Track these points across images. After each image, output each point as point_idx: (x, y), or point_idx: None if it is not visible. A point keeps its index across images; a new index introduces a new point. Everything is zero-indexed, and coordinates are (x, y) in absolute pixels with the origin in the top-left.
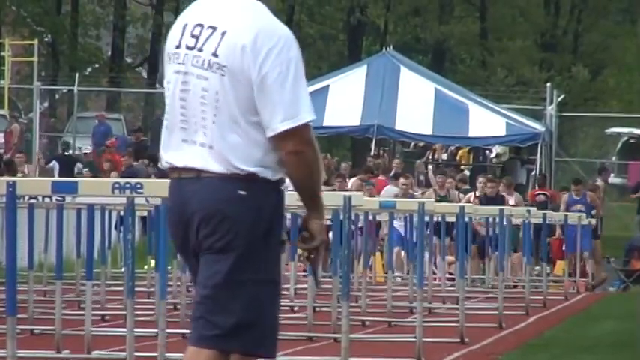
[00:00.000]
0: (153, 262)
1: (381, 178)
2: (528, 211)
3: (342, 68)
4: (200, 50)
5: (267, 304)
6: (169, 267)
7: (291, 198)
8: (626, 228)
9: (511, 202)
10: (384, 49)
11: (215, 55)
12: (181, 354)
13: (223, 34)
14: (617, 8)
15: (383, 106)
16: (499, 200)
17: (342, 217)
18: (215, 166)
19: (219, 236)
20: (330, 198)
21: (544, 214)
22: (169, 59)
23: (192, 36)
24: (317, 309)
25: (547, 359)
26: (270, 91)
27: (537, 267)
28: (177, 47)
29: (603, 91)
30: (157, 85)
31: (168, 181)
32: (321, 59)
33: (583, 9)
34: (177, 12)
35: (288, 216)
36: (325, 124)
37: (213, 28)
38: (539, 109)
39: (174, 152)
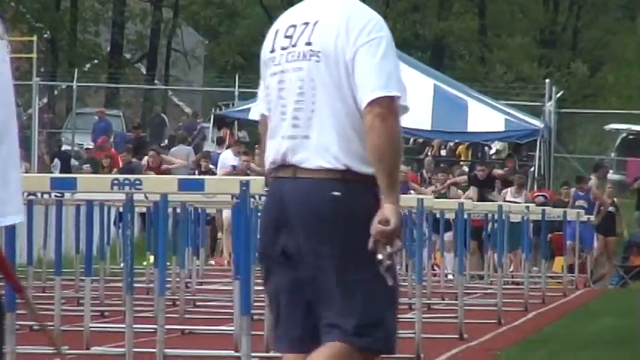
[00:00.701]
0: (152, 258)
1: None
2: (527, 208)
3: None
4: (294, 45)
5: (385, 301)
6: (168, 263)
7: None
8: (625, 225)
9: (519, 200)
10: None
11: (309, 43)
12: (181, 350)
13: (315, 23)
14: (617, 4)
15: None
16: (490, 182)
17: None
18: (313, 159)
19: (318, 238)
20: None
21: (543, 210)
22: (265, 65)
23: (286, 37)
24: None
25: (546, 355)
26: (361, 65)
27: (535, 267)
28: (272, 52)
29: (602, 88)
30: (156, 81)
31: (166, 177)
32: None
33: (582, 5)
34: (176, 8)
35: None
36: None
37: (306, 24)
38: (538, 105)
39: (273, 148)
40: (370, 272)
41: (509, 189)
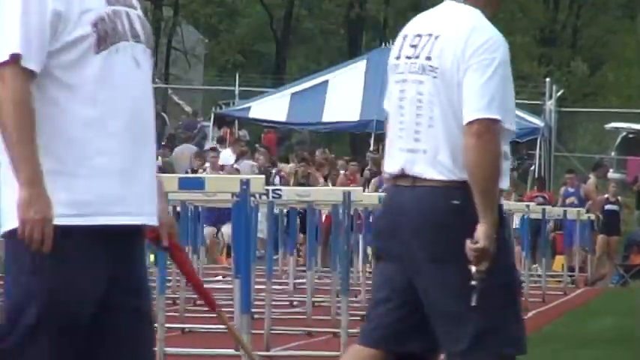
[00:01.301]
0: (152, 257)
1: None
2: (527, 207)
3: (342, 63)
4: (417, 57)
5: (504, 308)
6: (168, 262)
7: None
8: (625, 223)
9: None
10: (383, 44)
11: (428, 58)
12: (181, 348)
13: (437, 37)
14: (617, 3)
15: (382, 101)
16: None
17: (341, 212)
18: (429, 172)
19: (434, 246)
20: (329, 193)
21: (543, 209)
22: (391, 71)
23: (411, 46)
24: (316, 304)
25: (546, 354)
26: (467, 85)
27: (535, 265)
28: (397, 58)
29: (602, 86)
30: (156, 80)
31: (166, 175)
32: (321, 54)
33: (582, 4)
34: (176, 6)
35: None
36: (324, 119)
37: (430, 35)
38: (539, 104)
39: (391, 160)
40: (487, 279)
41: None
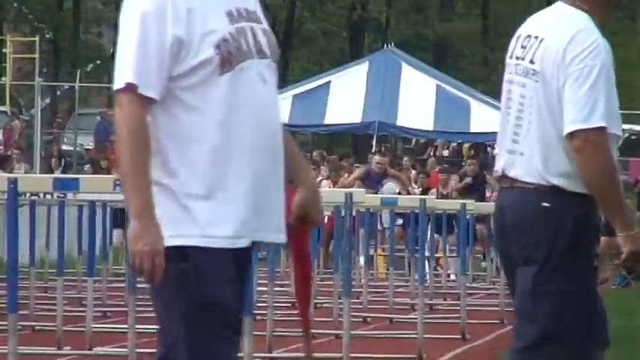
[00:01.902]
0: None
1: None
2: None
3: (344, 65)
4: (523, 59)
5: (574, 317)
6: None
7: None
8: None
9: None
10: (385, 45)
11: (532, 62)
12: None
13: (541, 41)
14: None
15: (384, 103)
16: (481, 178)
17: (343, 213)
18: (525, 175)
19: (523, 247)
20: (331, 194)
21: None
22: (504, 69)
23: (522, 47)
24: (318, 305)
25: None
26: (567, 94)
27: None
28: (510, 57)
29: None
30: None
31: None
32: (323, 56)
33: None
34: None
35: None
36: (326, 121)
37: (536, 38)
38: None
39: (497, 160)
40: (563, 284)
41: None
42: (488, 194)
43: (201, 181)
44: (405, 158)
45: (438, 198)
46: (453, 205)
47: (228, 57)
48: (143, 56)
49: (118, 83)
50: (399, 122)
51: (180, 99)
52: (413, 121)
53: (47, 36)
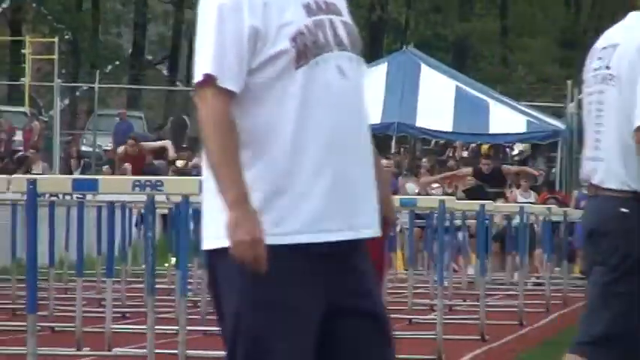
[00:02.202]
0: (173, 260)
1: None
2: (549, 209)
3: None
4: (599, 69)
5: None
6: (190, 264)
7: None
8: None
9: (531, 200)
10: (404, 46)
11: (608, 67)
12: (202, 351)
13: (616, 46)
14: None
15: (403, 104)
16: (496, 174)
17: None
18: (606, 181)
19: (600, 251)
20: None
21: (564, 211)
22: (584, 83)
23: (599, 58)
24: None
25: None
26: (635, 90)
27: (557, 268)
28: (587, 73)
29: None
30: (178, 83)
31: (187, 178)
32: None
33: (604, 6)
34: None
35: None
36: None
37: (612, 46)
38: (560, 106)
39: (584, 169)
40: (634, 287)
41: (517, 190)
42: (508, 194)
43: (272, 176)
44: (425, 159)
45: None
46: (472, 205)
47: (304, 50)
48: (221, 49)
49: (197, 76)
50: (419, 123)
51: (255, 93)
52: (432, 122)
53: (66, 37)
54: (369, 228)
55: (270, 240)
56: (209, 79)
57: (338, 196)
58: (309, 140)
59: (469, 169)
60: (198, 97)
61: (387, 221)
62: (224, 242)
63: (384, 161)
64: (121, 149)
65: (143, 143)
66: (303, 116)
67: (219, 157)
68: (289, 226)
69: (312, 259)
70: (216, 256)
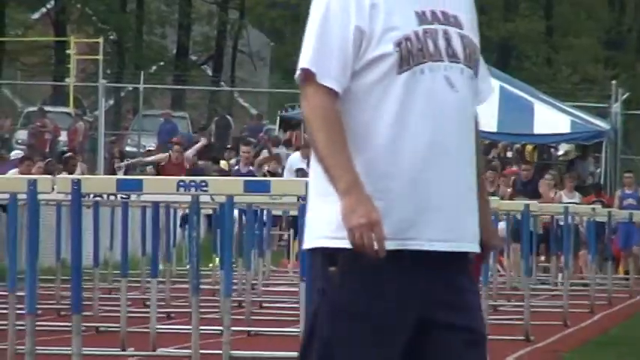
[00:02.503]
0: (218, 260)
1: None
2: (593, 209)
3: None
4: None
5: None
6: (234, 265)
7: None
8: None
9: (575, 200)
10: None
11: None
12: (246, 351)
13: None
14: None
15: None
16: (534, 184)
17: None
18: None
19: None
20: None
21: (609, 212)
22: None
23: None
24: None
25: (613, 357)
26: None
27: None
28: None
29: None
30: (222, 83)
31: (232, 178)
32: None
33: None
34: (242, 9)
35: None
36: None
37: None
38: (604, 107)
39: None
40: None
41: (562, 191)
42: (552, 195)
43: (368, 179)
44: None
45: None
46: (516, 206)
47: (408, 56)
48: (323, 46)
49: (298, 71)
50: None
51: (356, 95)
52: None
53: (111, 37)
54: (464, 242)
55: (347, 244)
56: (309, 76)
57: (432, 206)
58: (406, 147)
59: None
60: (302, 96)
61: (485, 246)
62: (315, 243)
63: None
64: (162, 156)
65: (186, 154)
66: (402, 122)
67: (326, 149)
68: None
69: (403, 268)
70: (311, 255)
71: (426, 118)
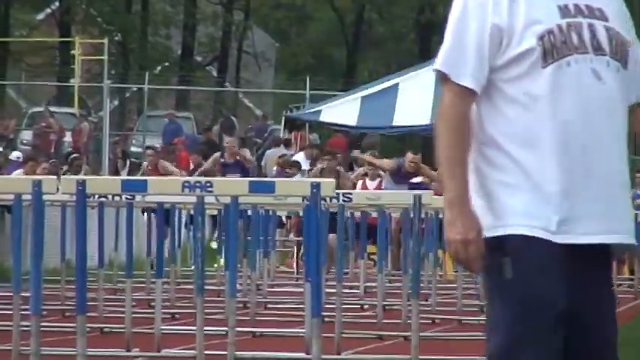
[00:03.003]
0: (222, 261)
1: None
2: None
3: (412, 67)
4: None
5: None
6: (239, 265)
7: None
8: None
9: None
10: None
11: None
12: (251, 352)
13: None
14: None
15: None
16: None
17: (411, 215)
18: None
19: None
20: (400, 196)
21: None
22: None
23: None
24: (387, 307)
25: (634, 356)
26: None
27: None
28: None
29: None
30: (227, 84)
31: (237, 179)
32: (391, 58)
33: None
34: (247, 10)
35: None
36: (395, 122)
37: None
38: None
39: None
40: None
41: None
42: None
43: (523, 173)
44: None
45: None
46: None
47: (551, 49)
48: (458, 44)
49: (435, 73)
50: None
51: (502, 91)
52: None
53: (115, 38)
54: (629, 234)
55: (519, 230)
56: (444, 77)
57: (586, 199)
58: (557, 138)
59: None
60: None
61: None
62: (487, 233)
63: (410, 155)
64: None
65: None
66: (552, 115)
67: (444, 155)
68: (538, 222)
69: (560, 260)
70: (486, 245)
71: (577, 112)
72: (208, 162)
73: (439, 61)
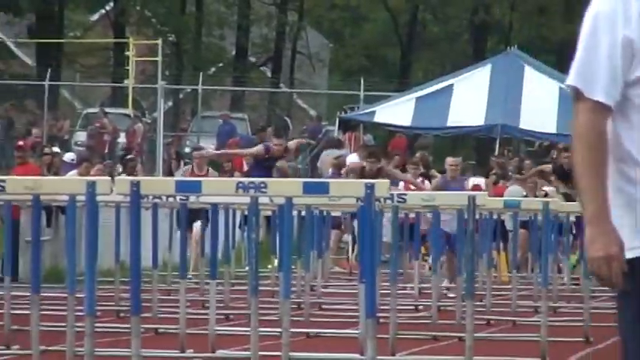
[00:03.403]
0: (276, 262)
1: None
2: None
3: (466, 67)
4: None
5: None
6: (293, 266)
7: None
8: None
9: None
10: (508, 48)
11: None
12: (306, 353)
13: None
14: None
15: (507, 106)
16: None
17: (466, 216)
18: None
19: None
20: (455, 197)
21: None
22: None
23: None
24: (441, 308)
25: None
26: None
27: None
28: None
29: None
30: (281, 85)
31: (291, 180)
32: (445, 58)
33: None
34: (301, 11)
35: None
36: (449, 123)
37: None
38: None
39: None
40: None
41: None
42: None
43: None
44: (528, 161)
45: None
46: (576, 207)
47: None
48: (589, 58)
49: (567, 89)
50: (522, 125)
51: (637, 106)
52: (536, 123)
53: (170, 39)
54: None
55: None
56: (577, 93)
57: None
58: None
59: (548, 165)
60: (573, 112)
61: None
62: (627, 254)
63: (450, 159)
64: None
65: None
66: None
67: (582, 171)
68: None
69: None
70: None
71: None
72: (252, 149)
73: (572, 77)
